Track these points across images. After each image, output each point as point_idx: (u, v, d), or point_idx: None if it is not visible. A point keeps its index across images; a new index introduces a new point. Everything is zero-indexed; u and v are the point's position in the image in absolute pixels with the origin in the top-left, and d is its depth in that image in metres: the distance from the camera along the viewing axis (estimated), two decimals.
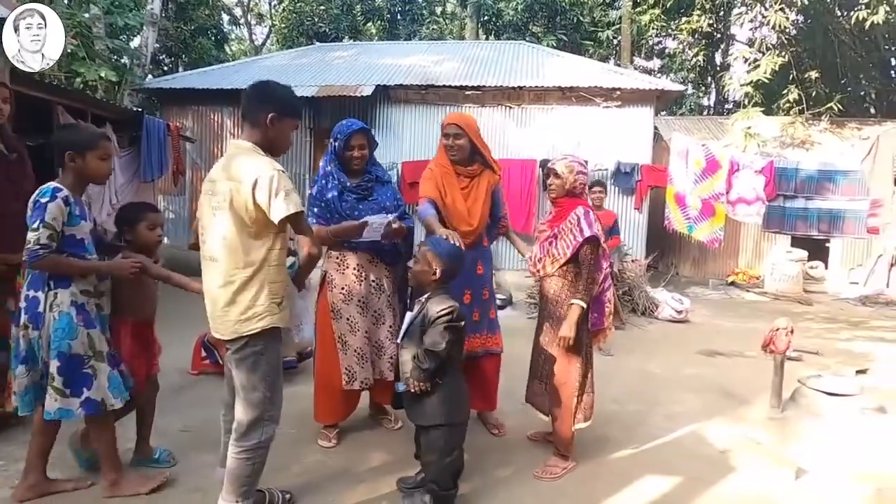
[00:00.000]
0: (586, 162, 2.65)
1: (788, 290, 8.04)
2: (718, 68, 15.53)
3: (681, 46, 15.14)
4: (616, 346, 4.48)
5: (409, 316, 2.09)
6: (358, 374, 2.55)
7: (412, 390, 1.92)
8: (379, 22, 16.44)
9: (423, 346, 1.90)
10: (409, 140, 8.11)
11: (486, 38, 14.55)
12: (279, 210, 1.71)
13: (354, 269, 2.57)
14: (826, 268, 9.14)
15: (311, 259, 1.93)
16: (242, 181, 1.72)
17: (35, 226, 1.87)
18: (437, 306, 1.95)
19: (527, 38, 13.52)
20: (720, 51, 16.10)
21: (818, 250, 8.90)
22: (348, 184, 2.55)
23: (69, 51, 7.53)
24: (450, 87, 7.99)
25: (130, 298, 2.20)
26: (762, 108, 9.82)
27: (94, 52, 8.27)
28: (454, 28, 15.98)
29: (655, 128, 8.62)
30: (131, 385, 2.14)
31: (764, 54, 10.39)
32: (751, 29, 12.79)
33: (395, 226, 2.42)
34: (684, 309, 5.98)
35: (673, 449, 2.76)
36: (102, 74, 7.78)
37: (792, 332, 3.28)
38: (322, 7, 15.61)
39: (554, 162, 2.51)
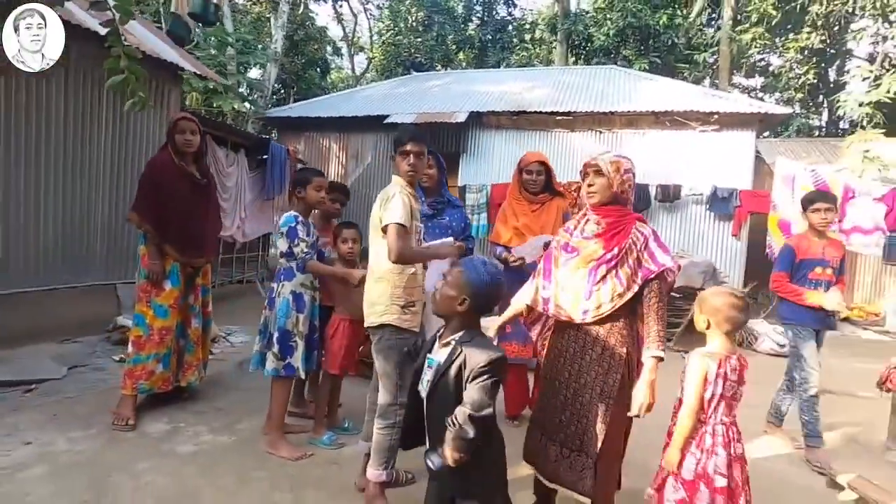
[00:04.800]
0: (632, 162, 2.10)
1: None
2: (832, 86, 14.33)
3: (787, 64, 14.18)
4: None
5: (432, 358, 1.66)
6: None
7: (451, 464, 1.51)
8: (470, 51, 17.19)
9: (463, 408, 1.50)
10: (498, 163, 8.47)
11: (576, 63, 14.65)
12: (383, 218, 2.10)
13: None
14: None
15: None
16: (379, 200, 2.18)
17: (296, 243, 2.59)
18: (480, 356, 1.54)
19: (618, 63, 13.44)
20: (833, 67, 14.88)
21: None
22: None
23: (211, 86, 8.82)
24: (541, 112, 8.26)
25: (342, 300, 2.78)
26: (884, 130, 9.01)
27: (229, 87, 9.59)
28: (542, 53, 16.27)
29: (757, 151, 8.25)
30: (312, 366, 2.75)
31: (888, 71, 9.57)
32: (871, 43, 11.82)
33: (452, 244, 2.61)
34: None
35: (774, 480, 2.75)
36: (235, 106, 9.01)
37: None
38: (419, 39, 16.70)
39: (594, 157, 2.00)
